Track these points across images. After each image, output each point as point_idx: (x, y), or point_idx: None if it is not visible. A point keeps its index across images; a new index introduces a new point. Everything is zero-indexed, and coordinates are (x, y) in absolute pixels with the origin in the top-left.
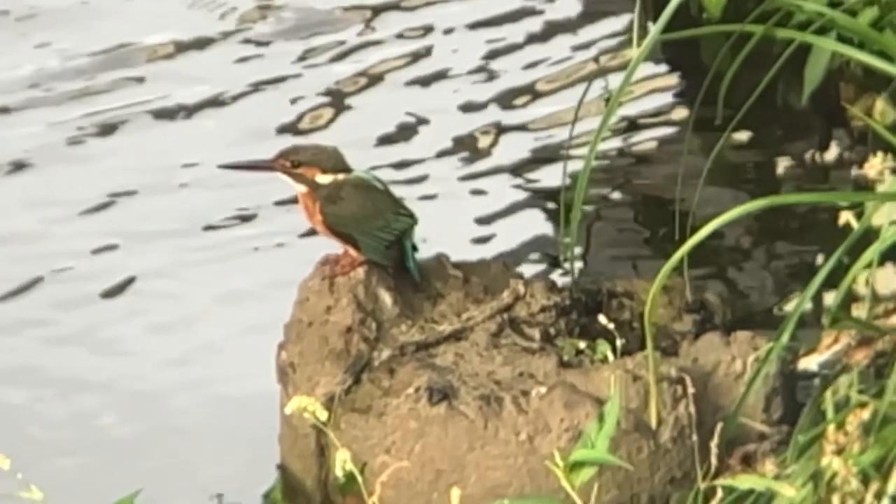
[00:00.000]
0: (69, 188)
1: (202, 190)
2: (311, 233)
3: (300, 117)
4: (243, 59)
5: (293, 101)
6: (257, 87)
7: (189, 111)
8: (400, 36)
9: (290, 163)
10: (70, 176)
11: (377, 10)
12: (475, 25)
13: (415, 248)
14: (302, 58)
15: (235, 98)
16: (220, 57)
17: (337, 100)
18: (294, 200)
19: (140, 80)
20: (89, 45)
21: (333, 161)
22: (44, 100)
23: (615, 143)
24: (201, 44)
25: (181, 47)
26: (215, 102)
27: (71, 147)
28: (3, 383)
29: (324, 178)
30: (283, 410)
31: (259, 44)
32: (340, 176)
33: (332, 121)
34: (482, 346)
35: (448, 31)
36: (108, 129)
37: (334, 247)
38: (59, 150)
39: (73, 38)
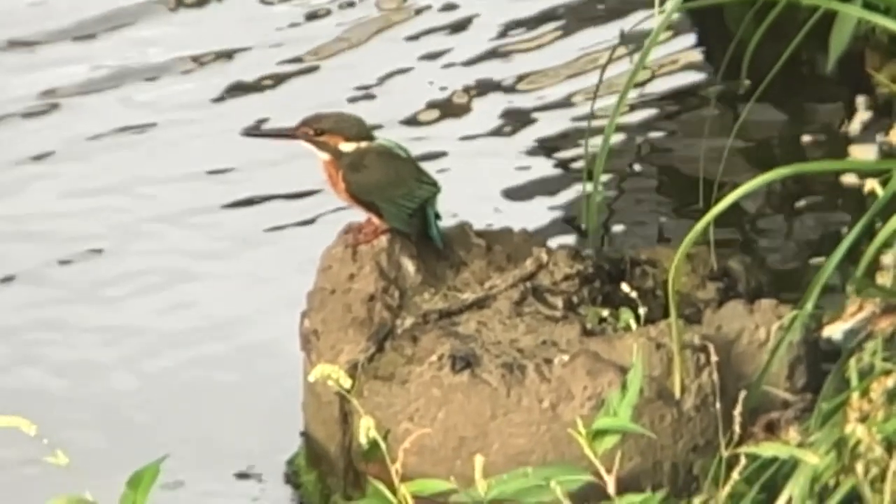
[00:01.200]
0: (46, 147)
1: (186, 147)
2: (298, 194)
3: (284, 79)
4: (226, 21)
5: (278, 64)
6: (240, 48)
7: (171, 72)
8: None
9: (314, 131)
10: (50, 135)
11: None
12: None
13: (437, 216)
14: (286, 19)
15: (218, 58)
16: (204, 18)
17: (318, 61)
18: (279, 160)
19: (125, 39)
20: (77, 8)
21: (357, 129)
22: (22, 59)
23: (637, 110)
24: (184, 4)
25: (168, 7)
26: (198, 62)
27: (51, 106)
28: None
29: (347, 146)
30: (306, 378)
31: (242, 5)
32: (363, 144)
33: (314, 82)
34: (505, 315)
35: None
36: (87, 89)
37: (327, 204)
38: (38, 110)
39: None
